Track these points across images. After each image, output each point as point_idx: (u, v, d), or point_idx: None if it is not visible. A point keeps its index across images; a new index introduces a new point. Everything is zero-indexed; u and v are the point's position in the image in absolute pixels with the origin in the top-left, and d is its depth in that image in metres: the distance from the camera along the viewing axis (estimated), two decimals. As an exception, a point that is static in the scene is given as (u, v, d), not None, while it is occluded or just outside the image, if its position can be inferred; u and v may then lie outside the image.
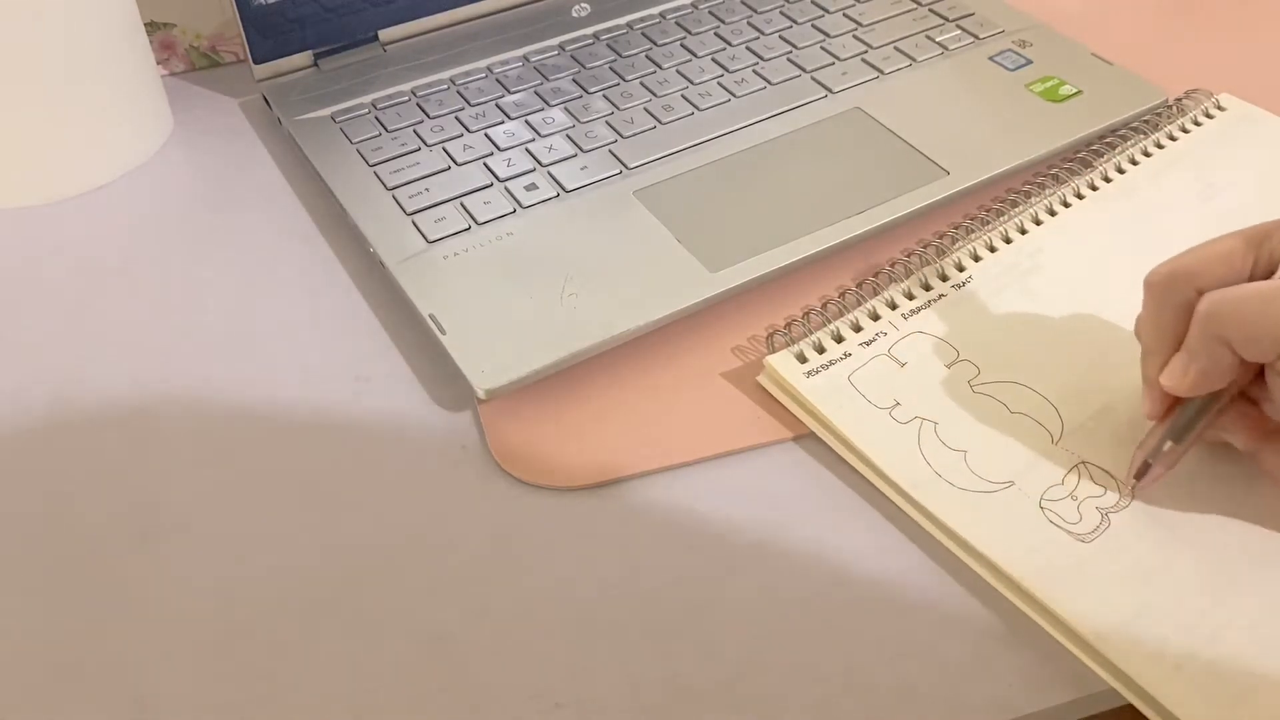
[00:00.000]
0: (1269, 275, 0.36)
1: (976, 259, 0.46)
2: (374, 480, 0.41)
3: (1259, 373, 0.36)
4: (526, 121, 0.53)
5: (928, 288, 0.45)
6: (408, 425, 0.42)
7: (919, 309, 0.44)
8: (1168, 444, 0.37)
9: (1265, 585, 0.36)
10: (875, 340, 0.43)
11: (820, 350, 0.43)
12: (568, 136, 0.52)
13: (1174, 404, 0.38)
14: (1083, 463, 0.39)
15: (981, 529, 0.37)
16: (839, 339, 0.43)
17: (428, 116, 0.54)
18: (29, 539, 0.39)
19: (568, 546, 0.38)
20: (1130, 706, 0.34)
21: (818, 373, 0.42)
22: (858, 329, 0.44)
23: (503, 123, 0.53)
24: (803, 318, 0.44)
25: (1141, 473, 0.37)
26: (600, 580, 0.37)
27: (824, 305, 0.44)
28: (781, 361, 0.42)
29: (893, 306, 0.45)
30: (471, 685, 0.35)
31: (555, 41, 0.58)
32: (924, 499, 0.38)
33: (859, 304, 0.45)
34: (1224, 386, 0.36)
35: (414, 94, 0.55)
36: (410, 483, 0.41)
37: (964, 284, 0.45)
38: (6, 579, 0.38)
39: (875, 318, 0.44)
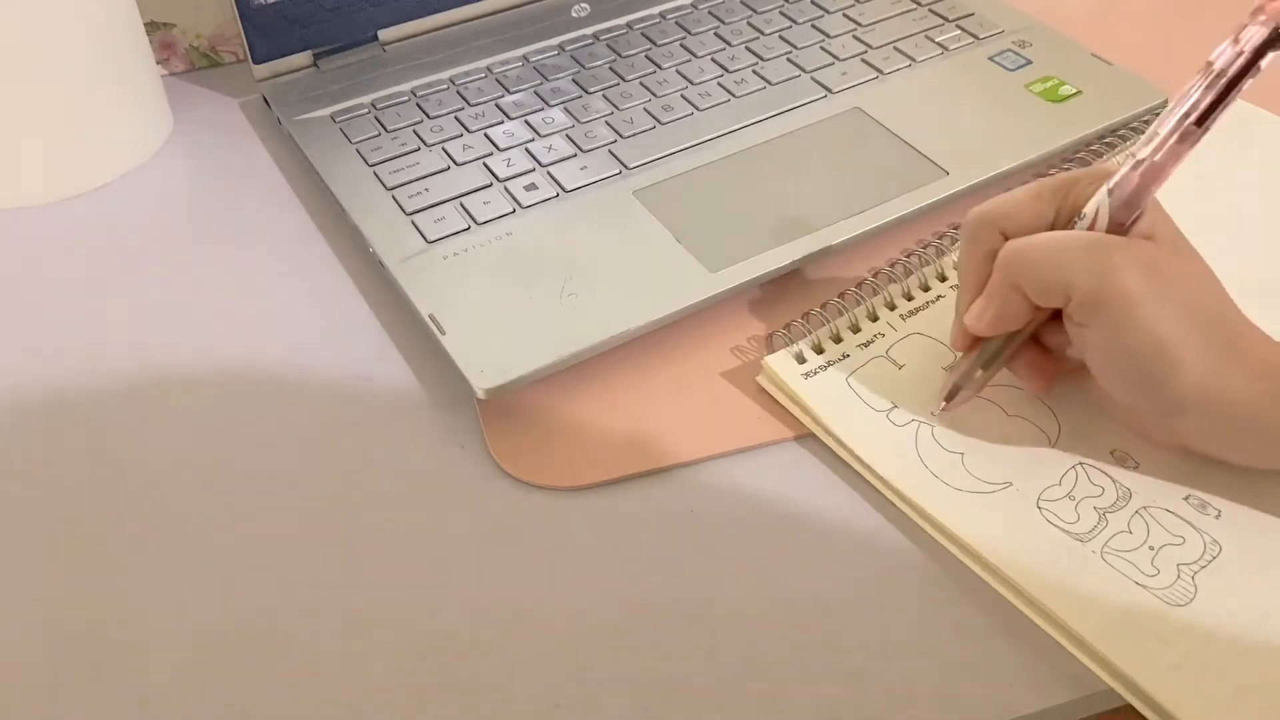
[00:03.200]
0: (1069, 224, 0.38)
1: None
2: (374, 480, 0.41)
3: (1053, 316, 0.38)
4: (526, 121, 0.53)
5: (926, 288, 0.45)
6: (408, 425, 0.42)
7: (917, 310, 0.44)
8: (978, 372, 0.39)
9: (1262, 584, 0.36)
10: (874, 341, 0.43)
11: (819, 351, 0.43)
12: (567, 136, 0.52)
13: (978, 340, 0.40)
14: (1080, 463, 0.39)
15: (979, 529, 0.37)
16: (838, 339, 0.43)
17: (427, 116, 0.54)
18: (29, 538, 0.39)
19: (567, 546, 0.38)
20: (1129, 706, 0.34)
21: (815, 374, 0.42)
22: (856, 330, 0.44)
23: (502, 123, 0.53)
24: (802, 319, 0.44)
25: (951, 395, 0.40)
26: (599, 580, 0.37)
27: (823, 306, 0.44)
28: (780, 362, 0.42)
29: (891, 308, 0.45)
30: (471, 685, 0.35)
31: (555, 41, 0.58)
32: (922, 500, 0.38)
33: (858, 304, 0.45)
34: (1019, 328, 0.38)
35: (414, 94, 0.55)
36: (410, 482, 0.41)
37: None
38: (6, 579, 0.38)
39: (874, 319, 0.44)
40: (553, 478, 0.40)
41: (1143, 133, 0.52)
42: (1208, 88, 0.35)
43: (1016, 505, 0.38)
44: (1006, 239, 0.38)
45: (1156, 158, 0.36)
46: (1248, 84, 0.35)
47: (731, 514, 0.39)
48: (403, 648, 0.36)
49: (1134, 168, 0.36)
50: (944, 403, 0.40)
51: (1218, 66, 0.35)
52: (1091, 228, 0.37)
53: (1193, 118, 0.35)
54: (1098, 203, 0.37)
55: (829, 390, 0.41)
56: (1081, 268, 0.35)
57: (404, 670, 0.35)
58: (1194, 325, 0.35)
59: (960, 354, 0.41)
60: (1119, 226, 0.37)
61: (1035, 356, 0.40)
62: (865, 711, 0.34)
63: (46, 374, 0.45)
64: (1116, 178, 0.37)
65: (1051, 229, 0.38)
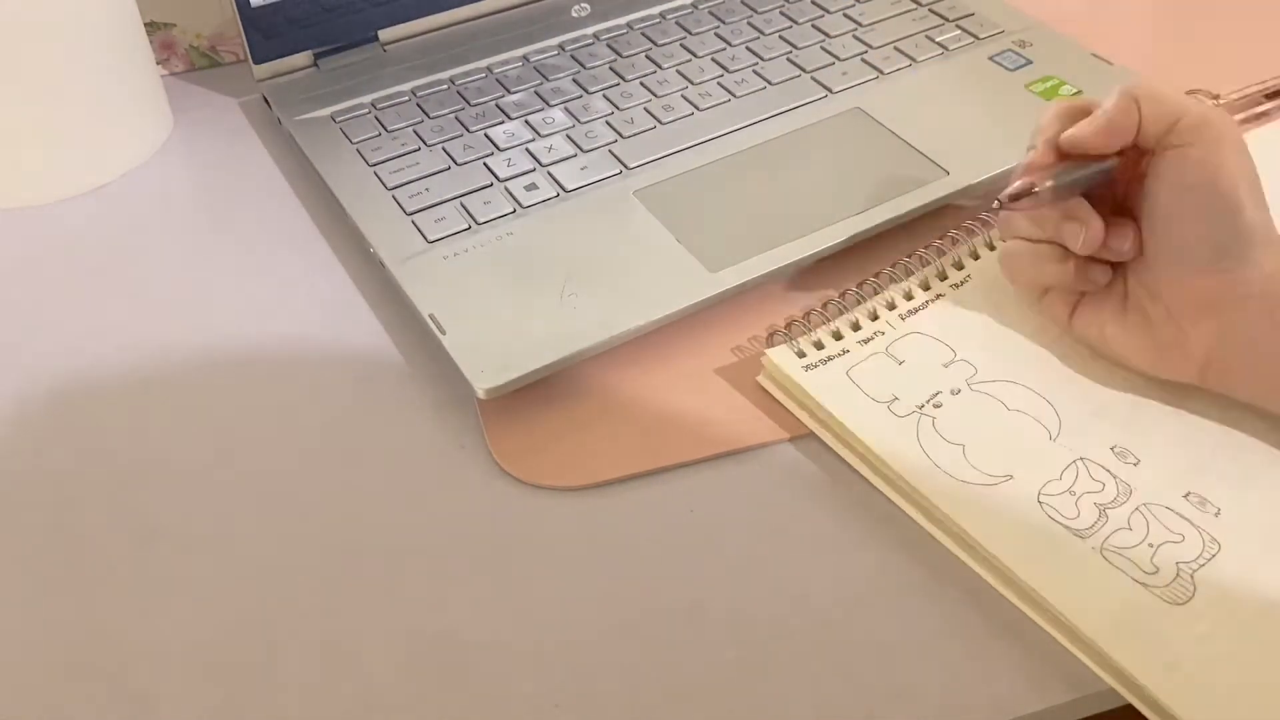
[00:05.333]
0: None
1: (976, 257, 0.46)
2: (373, 480, 0.41)
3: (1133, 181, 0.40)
4: (526, 121, 0.53)
5: (926, 287, 0.45)
6: (407, 425, 0.42)
7: (917, 309, 0.44)
8: (1049, 182, 0.39)
9: (1261, 583, 0.36)
10: (873, 339, 0.43)
11: (819, 347, 0.43)
12: (568, 136, 0.52)
13: (1058, 160, 0.41)
14: (1080, 459, 0.39)
15: (979, 522, 0.37)
16: (838, 337, 0.43)
17: (427, 116, 0.54)
18: (30, 538, 0.39)
19: (567, 546, 0.38)
20: (1129, 706, 0.34)
21: (816, 367, 0.42)
22: (856, 328, 0.44)
23: (503, 123, 0.53)
24: (803, 317, 0.44)
25: (1018, 195, 0.40)
26: (599, 580, 0.37)
27: (824, 305, 0.44)
28: (780, 355, 0.42)
29: (891, 307, 0.45)
30: (470, 685, 0.35)
31: (555, 41, 0.58)
32: (923, 487, 0.38)
33: (859, 304, 0.45)
34: (1111, 154, 0.40)
35: (414, 94, 0.55)
36: (410, 482, 0.41)
37: (962, 283, 0.45)
38: (7, 579, 0.38)
39: (874, 317, 0.44)
40: (553, 478, 0.40)
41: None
42: None
43: (1017, 498, 0.38)
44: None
45: None
46: None
47: (731, 514, 0.39)
48: (403, 648, 0.36)
49: None
50: (1008, 199, 0.40)
51: None
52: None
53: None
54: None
55: (830, 382, 0.42)
56: (1196, 102, 0.39)
57: (404, 670, 0.35)
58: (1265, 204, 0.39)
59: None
60: None
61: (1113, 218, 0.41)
62: (865, 711, 0.34)
63: (46, 374, 0.45)
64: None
65: None
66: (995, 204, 0.40)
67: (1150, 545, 0.37)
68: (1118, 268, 0.41)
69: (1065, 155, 0.41)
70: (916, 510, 0.39)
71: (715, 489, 0.40)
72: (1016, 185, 0.40)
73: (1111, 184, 0.41)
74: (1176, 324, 0.39)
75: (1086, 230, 0.40)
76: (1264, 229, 0.38)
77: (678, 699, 0.34)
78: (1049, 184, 0.39)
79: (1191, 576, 0.36)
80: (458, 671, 0.35)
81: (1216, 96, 0.49)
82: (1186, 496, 0.38)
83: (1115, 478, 0.39)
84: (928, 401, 0.41)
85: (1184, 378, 0.40)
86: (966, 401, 0.41)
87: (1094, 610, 0.35)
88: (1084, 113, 0.40)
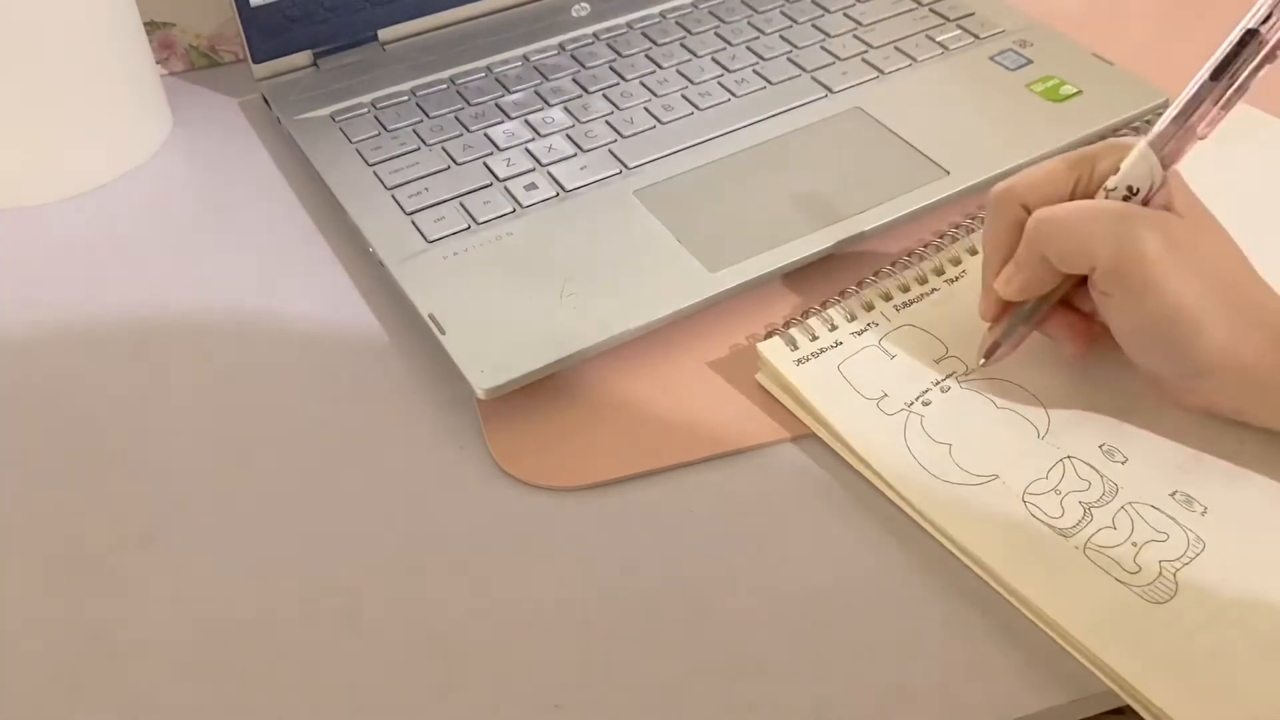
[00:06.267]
0: (1090, 196, 0.39)
1: (974, 253, 0.46)
2: (373, 480, 0.41)
3: (1081, 282, 0.39)
4: (526, 121, 0.53)
5: (923, 281, 0.45)
6: (407, 425, 0.42)
7: (910, 303, 0.45)
8: (1017, 329, 0.41)
9: (1244, 581, 0.36)
10: (866, 331, 0.43)
11: (813, 338, 0.43)
12: (567, 136, 0.52)
13: (1006, 308, 0.41)
14: (1067, 457, 0.39)
15: (964, 522, 0.37)
16: (832, 327, 0.43)
17: (427, 116, 0.54)
18: (29, 538, 0.39)
19: (567, 546, 0.38)
20: (1128, 707, 0.34)
21: (808, 360, 0.42)
22: (851, 319, 0.44)
23: (502, 122, 0.53)
24: (801, 316, 0.44)
25: (990, 352, 0.41)
26: (599, 580, 0.37)
27: (823, 304, 0.44)
28: (773, 348, 0.42)
29: (886, 299, 0.45)
30: (470, 685, 0.35)
31: (555, 41, 0.58)
32: (908, 492, 0.38)
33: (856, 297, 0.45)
34: (1047, 292, 0.40)
35: (413, 93, 0.55)
36: (409, 482, 0.41)
37: (957, 279, 0.45)
38: (7, 579, 0.38)
39: (869, 308, 0.44)
40: (553, 478, 0.40)
41: (1144, 133, 0.52)
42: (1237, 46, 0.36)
43: (1002, 498, 0.38)
44: (1029, 212, 0.39)
45: (1191, 118, 0.37)
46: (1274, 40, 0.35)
47: (731, 514, 0.39)
48: (403, 648, 0.36)
49: (1173, 122, 0.37)
50: (983, 359, 0.41)
51: (1247, 25, 0.36)
52: (1128, 197, 0.38)
53: (1230, 81, 0.36)
54: (1133, 163, 0.38)
55: (820, 377, 0.42)
56: (1104, 237, 0.37)
57: (404, 670, 0.35)
58: (1214, 292, 0.36)
59: (988, 325, 0.42)
60: (1142, 199, 0.38)
61: (1071, 319, 0.41)
62: (865, 711, 0.34)
63: (46, 373, 0.45)
64: (1154, 132, 0.38)
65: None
66: (980, 362, 0.42)
67: (1134, 544, 0.37)
68: None
69: (1005, 308, 0.41)
70: (911, 507, 0.39)
71: (715, 489, 0.40)
72: (986, 345, 0.41)
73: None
74: (1169, 393, 0.40)
75: (1068, 349, 0.41)
76: (1215, 333, 0.36)
77: (678, 699, 0.34)
78: (1010, 338, 0.41)
79: (1174, 575, 0.36)
80: (457, 671, 0.35)
81: (1137, 129, 0.48)
82: (1173, 495, 0.38)
83: (1102, 476, 0.39)
84: (917, 399, 0.41)
85: (1197, 413, 0.40)
86: (955, 399, 0.41)
87: (1077, 610, 0.35)
88: (1008, 242, 0.40)
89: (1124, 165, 0.38)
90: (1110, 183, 0.38)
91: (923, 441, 0.40)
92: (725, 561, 0.38)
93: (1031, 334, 0.42)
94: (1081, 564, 0.36)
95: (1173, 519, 0.37)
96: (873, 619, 0.36)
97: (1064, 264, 0.38)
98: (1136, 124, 0.53)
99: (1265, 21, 0.35)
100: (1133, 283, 0.36)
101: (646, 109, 0.54)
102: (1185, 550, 0.37)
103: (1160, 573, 0.36)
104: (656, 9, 0.61)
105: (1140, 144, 0.38)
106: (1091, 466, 0.39)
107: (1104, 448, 0.40)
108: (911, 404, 0.41)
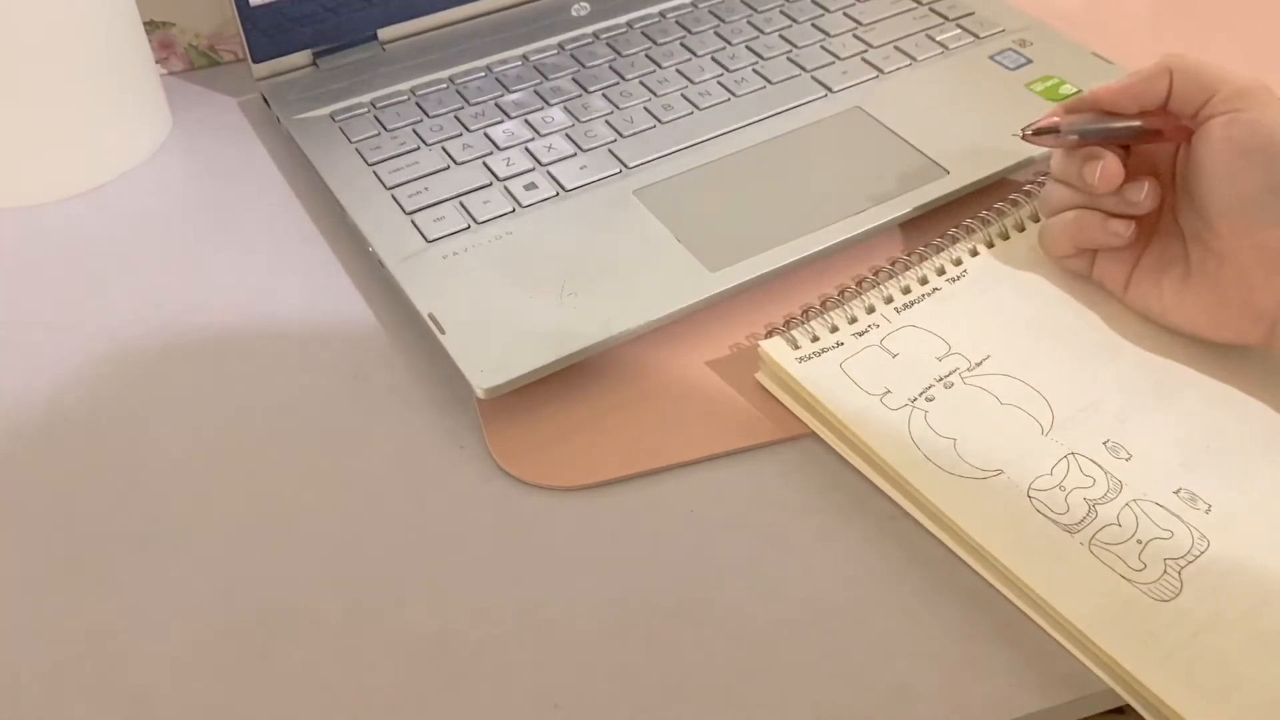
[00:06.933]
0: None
1: (974, 254, 0.46)
2: (373, 480, 0.41)
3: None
4: (526, 120, 0.53)
5: (924, 282, 0.45)
6: (407, 425, 0.42)
7: (912, 303, 0.45)
8: (1074, 133, 0.42)
9: (1249, 579, 0.36)
10: (868, 331, 0.43)
11: (814, 339, 0.43)
12: (567, 136, 0.52)
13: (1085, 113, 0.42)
14: (1071, 454, 0.39)
15: (970, 515, 0.37)
16: (833, 330, 0.43)
17: (427, 115, 0.54)
18: (29, 538, 0.39)
19: (567, 546, 0.38)
20: (1129, 706, 0.34)
21: (810, 359, 0.42)
22: (852, 321, 0.44)
23: (502, 122, 0.53)
24: (801, 315, 0.44)
25: (1042, 130, 0.42)
26: (599, 580, 0.37)
27: (822, 303, 0.44)
28: (774, 347, 0.42)
29: (888, 300, 0.45)
30: (470, 685, 0.35)
31: (554, 40, 0.58)
32: (914, 479, 0.38)
33: (856, 299, 0.45)
34: (1142, 109, 0.41)
35: (413, 93, 0.55)
36: (409, 482, 0.40)
37: (958, 278, 0.45)
38: (7, 579, 0.38)
39: (870, 310, 0.44)
40: (553, 478, 0.40)
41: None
42: None
43: (1007, 493, 0.38)
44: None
45: None
46: None
47: (731, 514, 0.39)
48: (403, 648, 0.36)
49: None
50: (1031, 131, 0.42)
51: None
52: None
53: None
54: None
55: (823, 374, 0.42)
56: (1234, 74, 0.40)
57: (404, 670, 0.35)
58: None
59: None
60: None
61: (1116, 155, 0.42)
62: (865, 711, 0.34)
63: (46, 373, 0.45)
64: None
65: None
66: (1020, 132, 0.42)
67: (1139, 541, 0.37)
68: (1179, 235, 0.42)
69: (1092, 110, 0.42)
70: (916, 508, 0.39)
71: (715, 489, 0.40)
72: (1042, 120, 0.42)
73: (1163, 164, 0.43)
74: (1246, 283, 0.40)
75: (1103, 165, 0.41)
76: None
77: (678, 699, 0.34)
78: (1070, 129, 0.42)
79: (1179, 573, 0.36)
80: (457, 671, 0.35)
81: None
82: (1177, 493, 0.38)
83: (1106, 473, 0.39)
84: (920, 395, 0.41)
85: (1250, 339, 0.41)
86: (959, 395, 0.41)
87: (1082, 605, 0.35)
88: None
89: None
90: None
91: (927, 435, 0.40)
92: (725, 561, 0.38)
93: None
94: (1087, 560, 0.36)
95: (1177, 516, 0.37)
96: (873, 618, 0.36)
97: (1189, 81, 0.40)
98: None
99: None
100: (1260, 97, 0.39)
101: (646, 108, 0.54)
102: (1190, 548, 0.37)
103: (1165, 570, 0.36)
104: (656, 8, 0.60)
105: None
106: (1095, 463, 0.39)
107: (1108, 444, 0.40)
108: (915, 400, 0.41)
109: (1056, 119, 0.42)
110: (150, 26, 0.58)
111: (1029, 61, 0.56)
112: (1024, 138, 0.43)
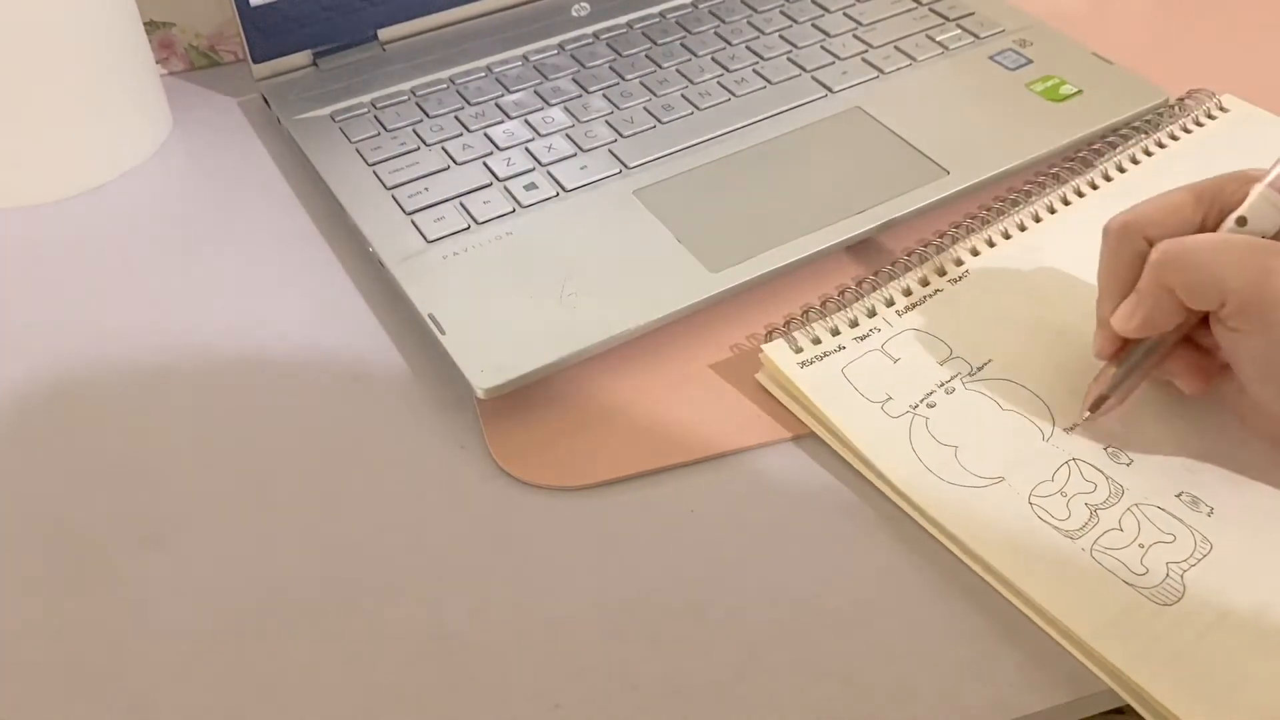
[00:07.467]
0: (1216, 228, 0.38)
1: (975, 254, 0.46)
2: (373, 480, 0.41)
3: (1203, 320, 0.38)
4: (526, 121, 0.53)
5: (925, 284, 0.45)
6: (407, 425, 0.42)
7: (914, 305, 0.44)
8: (1125, 379, 0.39)
9: (1252, 582, 0.36)
10: (869, 335, 0.43)
11: (816, 342, 0.43)
12: (567, 136, 0.52)
13: (1123, 345, 0.39)
14: (1073, 459, 0.39)
15: (971, 525, 0.37)
16: (835, 333, 0.43)
17: (427, 116, 0.54)
18: (29, 538, 0.39)
19: (567, 546, 0.38)
20: (1129, 706, 0.34)
21: (811, 364, 0.42)
22: (854, 324, 0.44)
23: (502, 122, 0.53)
24: (801, 315, 0.44)
25: (1096, 405, 0.39)
26: (599, 580, 0.37)
27: (822, 303, 0.44)
28: (776, 351, 0.42)
29: (889, 303, 0.45)
30: (470, 685, 0.35)
31: (555, 41, 0.58)
32: (914, 495, 0.38)
33: (857, 301, 0.45)
34: (1169, 330, 0.38)
35: (413, 93, 0.55)
36: (409, 482, 0.40)
37: (959, 279, 0.45)
38: (7, 579, 0.38)
39: (871, 314, 0.44)
40: (553, 478, 0.40)
41: (1144, 132, 0.52)
42: None
43: (1008, 501, 0.38)
44: (1150, 245, 0.37)
45: None
46: None
47: (731, 514, 0.39)
48: (403, 648, 0.36)
49: None
50: (1088, 412, 0.40)
51: None
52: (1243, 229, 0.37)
53: None
54: (1256, 202, 0.37)
55: (824, 379, 0.42)
56: (1239, 270, 0.35)
57: (404, 670, 0.35)
58: None
59: (1104, 364, 0.40)
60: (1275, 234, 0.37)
61: (1191, 356, 0.39)
62: (865, 712, 0.34)
63: (46, 373, 0.45)
64: (1273, 174, 0.36)
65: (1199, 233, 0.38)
66: (1085, 416, 0.40)
67: (1141, 546, 0.37)
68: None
69: (1118, 346, 0.39)
70: (913, 508, 0.39)
71: (715, 489, 0.40)
72: (1093, 396, 0.39)
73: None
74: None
75: (1185, 386, 0.39)
76: None
77: (678, 699, 0.34)
78: (1125, 382, 0.39)
79: (1181, 577, 0.36)
80: (458, 671, 0.35)
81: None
82: (1179, 496, 0.38)
83: (1108, 478, 0.39)
84: (921, 401, 0.41)
85: None
86: (961, 400, 0.41)
87: (1084, 611, 0.35)
88: (1127, 277, 0.38)
89: (1245, 205, 0.37)
90: (1243, 210, 0.37)
91: (928, 444, 0.40)
92: (725, 561, 0.38)
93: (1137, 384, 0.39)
94: (1089, 566, 0.36)
95: (1179, 520, 0.37)
96: (873, 619, 0.36)
97: (1192, 298, 0.36)
98: (1135, 124, 0.52)
99: None
100: (1271, 318, 0.34)
101: (647, 109, 0.54)
102: (1192, 551, 0.36)
103: (1168, 574, 0.36)
104: (656, 9, 0.60)
105: (1259, 188, 0.37)
106: (1097, 468, 0.39)
107: (1109, 450, 0.40)
108: (916, 406, 0.41)
109: (1100, 389, 0.39)
110: (150, 26, 0.58)
111: (1029, 61, 0.56)
112: (1087, 421, 0.40)
